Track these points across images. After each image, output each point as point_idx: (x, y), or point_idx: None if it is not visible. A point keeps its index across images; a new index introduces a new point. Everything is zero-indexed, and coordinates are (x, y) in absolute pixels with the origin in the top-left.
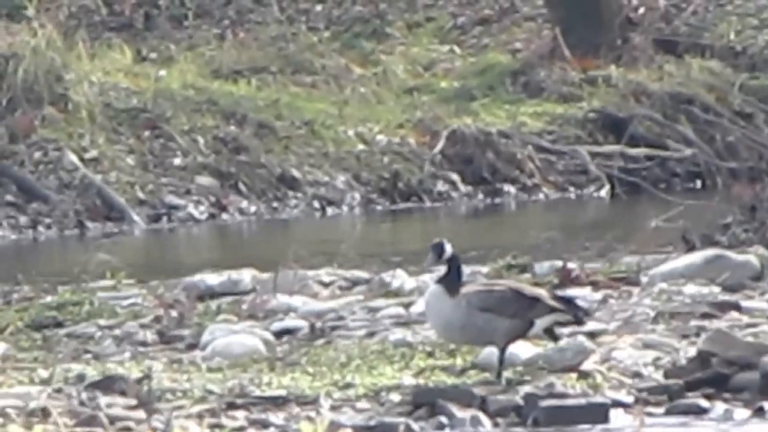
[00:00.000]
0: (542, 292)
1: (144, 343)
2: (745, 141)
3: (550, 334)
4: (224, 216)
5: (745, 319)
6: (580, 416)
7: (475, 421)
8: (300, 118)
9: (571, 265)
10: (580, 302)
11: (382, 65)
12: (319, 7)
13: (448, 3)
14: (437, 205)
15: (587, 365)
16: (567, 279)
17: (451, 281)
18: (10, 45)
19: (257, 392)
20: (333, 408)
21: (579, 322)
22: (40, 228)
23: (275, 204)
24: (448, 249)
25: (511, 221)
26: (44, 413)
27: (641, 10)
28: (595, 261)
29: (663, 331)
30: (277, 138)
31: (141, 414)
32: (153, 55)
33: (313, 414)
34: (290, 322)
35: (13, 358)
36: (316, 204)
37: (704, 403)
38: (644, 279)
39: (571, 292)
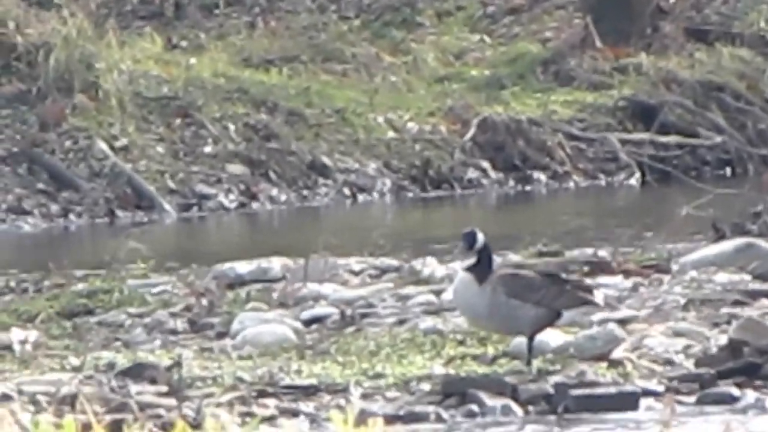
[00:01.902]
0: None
1: (174, 332)
2: None
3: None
4: (254, 204)
5: None
6: (611, 405)
7: (506, 410)
8: (331, 106)
9: (602, 253)
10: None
11: (412, 54)
12: None
13: None
14: (468, 193)
15: (618, 353)
16: (598, 267)
17: (482, 270)
18: (41, 34)
19: (287, 381)
20: (363, 397)
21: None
22: (71, 216)
23: (305, 192)
24: (480, 238)
25: (541, 209)
26: (73, 401)
27: None
28: (625, 249)
29: (694, 319)
30: (308, 126)
31: (171, 401)
32: (183, 44)
33: (343, 403)
34: (320, 309)
35: (44, 346)
36: (347, 191)
37: (735, 391)
38: (675, 267)
39: (603, 280)
